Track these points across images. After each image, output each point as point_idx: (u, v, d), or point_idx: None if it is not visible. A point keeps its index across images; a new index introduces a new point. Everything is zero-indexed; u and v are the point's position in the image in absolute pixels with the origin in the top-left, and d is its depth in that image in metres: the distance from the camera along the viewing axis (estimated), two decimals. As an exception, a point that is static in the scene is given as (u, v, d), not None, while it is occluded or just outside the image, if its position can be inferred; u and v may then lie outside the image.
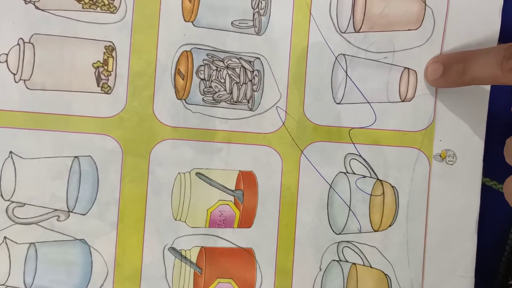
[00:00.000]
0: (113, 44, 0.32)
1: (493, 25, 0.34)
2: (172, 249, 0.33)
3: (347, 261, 0.34)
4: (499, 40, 0.35)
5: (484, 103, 0.35)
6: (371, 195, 0.34)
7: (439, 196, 0.35)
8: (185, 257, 0.33)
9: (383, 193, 0.35)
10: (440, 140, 0.35)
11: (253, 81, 0.34)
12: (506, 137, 0.32)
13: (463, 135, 0.35)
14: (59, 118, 0.32)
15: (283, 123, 0.34)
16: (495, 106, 0.35)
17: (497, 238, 0.37)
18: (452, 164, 0.35)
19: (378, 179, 0.35)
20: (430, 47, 0.34)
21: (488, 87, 0.35)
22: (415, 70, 0.35)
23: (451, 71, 0.32)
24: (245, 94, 0.34)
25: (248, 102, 0.34)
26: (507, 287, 0.36)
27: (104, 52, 0.32)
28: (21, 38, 0.31)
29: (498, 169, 0.33)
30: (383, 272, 0.34)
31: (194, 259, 0.33)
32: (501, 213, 0.36)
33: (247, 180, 0.34)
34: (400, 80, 0.34)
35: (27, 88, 0.32)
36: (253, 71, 0.34)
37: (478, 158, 0.35)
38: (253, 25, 0.34)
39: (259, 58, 0.34)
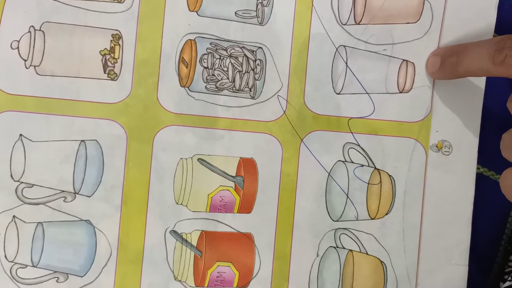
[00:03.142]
0: (120, 32, 0.36)
1: (489, 19, 0.38)
2: (174, 232, 0.37)
3: (344, 248, 0.38)
4: (495, 33, 0.38)
5: (479, 95, 0.38)
6: (368, 183, 0.38)
7: (435, 186, 0.38)
8: (186, 240, 0.37)
9: (380, 181, 0.38)
10: (437, 131, 0.38)
11: (255, 70, 0.37)
12: (503, 128, 0.35)
13: (459, 127, 0.38)
14: (67, 103, 0.36)
15: (284, 112, 0.37)
16: (492, 98, 0.39)
17: (494, 227, 0.40)
18: (448, 155, 0.38)
19: (375, 168, 0.38)
20: (428, 40, 0.38)
21: (483, 80, 0.38)
22: (413, 62, 0.38)
23: (446, 63, 0.36)
24: (247, 82, 0.37)
25: (250, 91, 0.37)
26: (503, 276, 0.39)
27: (111, 40, 0.36)
28: (32, 26, 0.35)
29: (495, 159, 0.37)
30: (379, 259, 0.38)
31: (194, 243, 0.37)
32: (498, 203, 0.39)
33: (247, 166, 0.37)
34: (398, 72, 0.38)
35: (37, 74, 0.35)
36: (255, 60, 0.37)
37: (473, 149, 0.38)
38: (256, 15, 0.37)
39: (261, 47, 0.37)
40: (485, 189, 0.39)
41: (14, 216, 0.35)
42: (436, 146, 0.38)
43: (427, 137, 0.38)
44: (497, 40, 0.33)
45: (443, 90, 0.38)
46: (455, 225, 0.38)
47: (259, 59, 0.37)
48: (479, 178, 0.38)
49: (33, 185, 0.36)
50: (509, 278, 0.38)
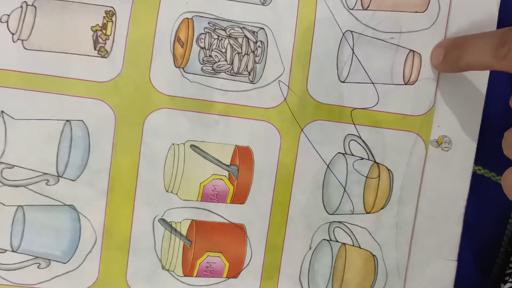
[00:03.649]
0: (114, 9, 0.33)
1: (492, 12, 0.36)
2: (162, 221, 0.35)
3: (337, 241, 0.37)
4: (498, 26, 0.37)
5: (481, 92, 0.37)
6: (367, 177, 0.37)
7: (432, 181, 0.38)
8: (175, 229, 0.36)
9: (379, 175, 0.37)
10: (438, 126, 0.37)
11: (255, 52, 0.35)
12: (506, 129, 0.34)
13: (460, 122, 0.37)
14: (53, 79, 0.33)
15: (285, 99, 0.36)
16: (495, 98, 0.38)
17: (495, 228, 0.40)
18: (447, 151, 0.38)
19: (375, 161, 0.37)
20: (435, 31, 0.36)
21: (486, 75, 0.37)
22: (419, 53, 0.37)
23: (448, 56, 0.34)
24: (247, 65, 0.35)
25: (249, 74, 0.35)
26: (504, 277, 0.39)
27: (104, 17, 0.33)
28: (24, 1, 0.33)
29: (497, 161, 0.36)
30: (370, 252, 0.38)
31: (184, 232, 0.36)
32: (498, 204, 0.39)
33: (243, 155, 0.36)
34: (405, 62, 0.36)
35: (24, 48, 0.33)
36: (256, 42, 0.35)
37: (472, 146, 0.37)
38: (259, -6, 0.35)
39: (263, 28, 0.35)
40: (486, 191, 0.38)
41: (-8, 199, 0.33)
42: (437, 141, 0.37)
43: (428, 131, 0.37)
44: (499, 33, 0.31)
45: (447, 84, 0.37)
46: (447, 220, 0.38)
47: (260, 41, 0.35)
48: (481, 179, 0.38)
49: (14, 166, 0.34)
50: (510, 280, 0.38)
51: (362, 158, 0.37)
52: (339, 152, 0.36)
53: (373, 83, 0.36)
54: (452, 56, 0.34)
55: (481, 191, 0.38)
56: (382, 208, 0.37)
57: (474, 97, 0.37)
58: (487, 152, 0.38)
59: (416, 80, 0.37)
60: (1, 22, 0.33)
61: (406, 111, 0.37)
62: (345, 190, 0.37)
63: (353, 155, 0.37)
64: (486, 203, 0.38)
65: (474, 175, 0.38)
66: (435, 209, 0.38)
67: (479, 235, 0.38)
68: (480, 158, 0.38)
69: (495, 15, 0.37)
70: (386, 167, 0.37)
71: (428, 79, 0.37)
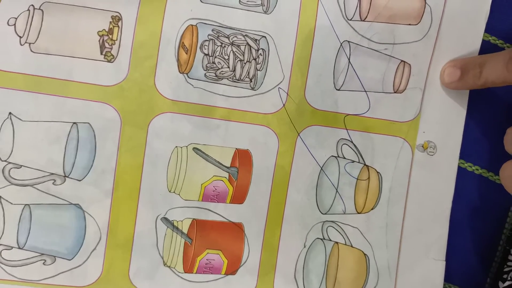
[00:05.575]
0: (120, 14, 0.34)
1: (479, 27, 0.38)
2: (165, 219, 0.36)
3: (330, 240, 0.39)
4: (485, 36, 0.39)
5: (464, 101, 0.39)
6: (357, 179, 0.39)
7: (419, 184, 0.39)
8: (177, 228, 0.36)
9: (369, 177, 0.39)
10: (424, 132, 0.39)
11: (257, 60, 0.36)
12: (504, 128, 0.36)
13: (444, 129, 0.39)
14: (60, 83, 0.34)
15: (284, 105, 0.37)
16: (497, 101, 0.39)
17: (493, 227, 0.41)
18: (432, 155, 0.39)
19: (365, 164, 0.39)
20: (426, 43, 0.38)
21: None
22: (410, 64, 0.38)
23: (469, 75, 0.36)
24: (248, 72, 0.36)
25: (251, 81, 0.36)
26: (502, 275, 0.41)
27: (110, 22, 0.34)
28: (32, 5, 0.33)
29: (494, 160, 0.38)
30: (362, 252, 0.39)
31: (185, 230, 0.37)
32: (496, 203, 0.40)
33: (243, 158, 0.37)
34: (395, 72, 0.38)
35: (31, 51, 0.33)
36: (258, 50, 0.36)
37: (456, 151, 0.39)
38: (261, 3, 0.36)
39: (265, 36, 0.36)
40: (484, 190, 0.40)
41: (0, 197, 0.34)
42: (422, 146, 0.39)
43: (414, 137, 0.39)
44: (511, 49, 0.33)
45: (433, 92, 0.39)
46: (435, 221, 0.40)
47: (262, 49, 0.36)
48: (478, 179, 0.40)
49: (21, 166, 0.34)
50: (509, 278, 0.40)
51: (353, 161, 0.38)
52: (332, 155, 0.38)
53: (365, 91, 0.38)
54: (474, 74, 0.36)
55: (479, 190, 0.39)
56: (372, 209, 0.39)
57: (457, 105, 0.39)
58: (485, 152, 0.39)
59: (405, 89, 0.38)
60: (9, 25, 0.33)
61: (395, 118, 0.39)
62: (337, 191, 0.38)
63: (345, 158, 0.38)
64: (484, 202, 0.40)
65: (472, 175, 0.40)
66: (422, 211, 0.39)
67: (477, 234, 0.40)
68: (478, 158, 0.39)
69: (481, 30, 0.38)
70: (375, 169, 0.39)
71: (415, 88, 0.38)
